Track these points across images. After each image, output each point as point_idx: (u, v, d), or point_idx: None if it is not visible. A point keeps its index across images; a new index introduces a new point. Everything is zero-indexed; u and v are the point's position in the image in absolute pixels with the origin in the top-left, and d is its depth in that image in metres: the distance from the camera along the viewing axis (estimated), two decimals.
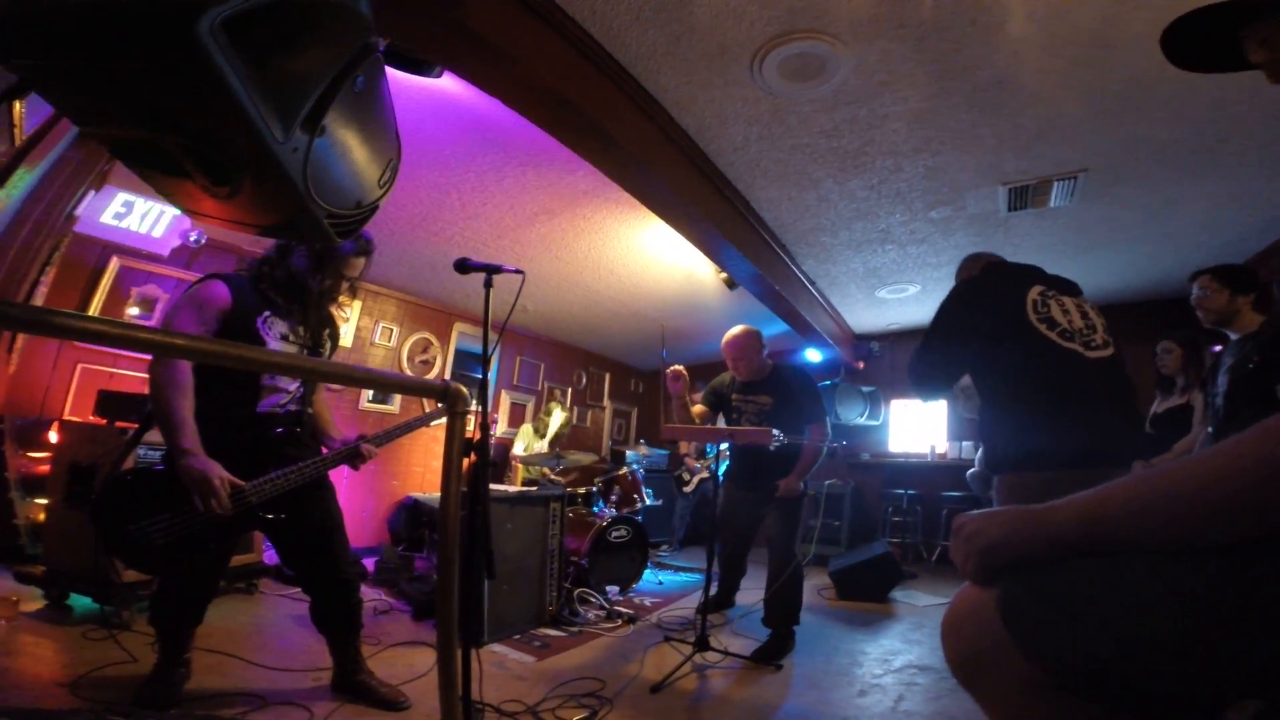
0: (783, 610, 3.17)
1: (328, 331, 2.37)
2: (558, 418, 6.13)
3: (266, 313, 2.14)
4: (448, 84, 2.73)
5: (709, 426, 3.55)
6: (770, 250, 4.37)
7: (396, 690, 2.27)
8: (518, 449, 6.16)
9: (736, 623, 3.68)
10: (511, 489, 3.83)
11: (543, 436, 6.10)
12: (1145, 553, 0.61)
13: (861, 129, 3.04)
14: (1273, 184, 3.41)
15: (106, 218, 3.89)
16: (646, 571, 4.54)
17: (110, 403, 3.18)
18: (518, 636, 3.18)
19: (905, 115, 2.91)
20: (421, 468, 6.17)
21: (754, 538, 3.58)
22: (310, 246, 2.16)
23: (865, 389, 6.63)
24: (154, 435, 2.14)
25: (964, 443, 6.29)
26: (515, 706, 2.27)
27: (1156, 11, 2.18)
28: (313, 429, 2.36)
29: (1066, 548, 0.66)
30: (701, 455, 6.90)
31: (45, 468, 3.41)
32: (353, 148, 0.91)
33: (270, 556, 3.65)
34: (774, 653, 3.00)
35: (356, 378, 1.86)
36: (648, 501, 5.10)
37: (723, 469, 4.27)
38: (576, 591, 3.77)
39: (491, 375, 2.39)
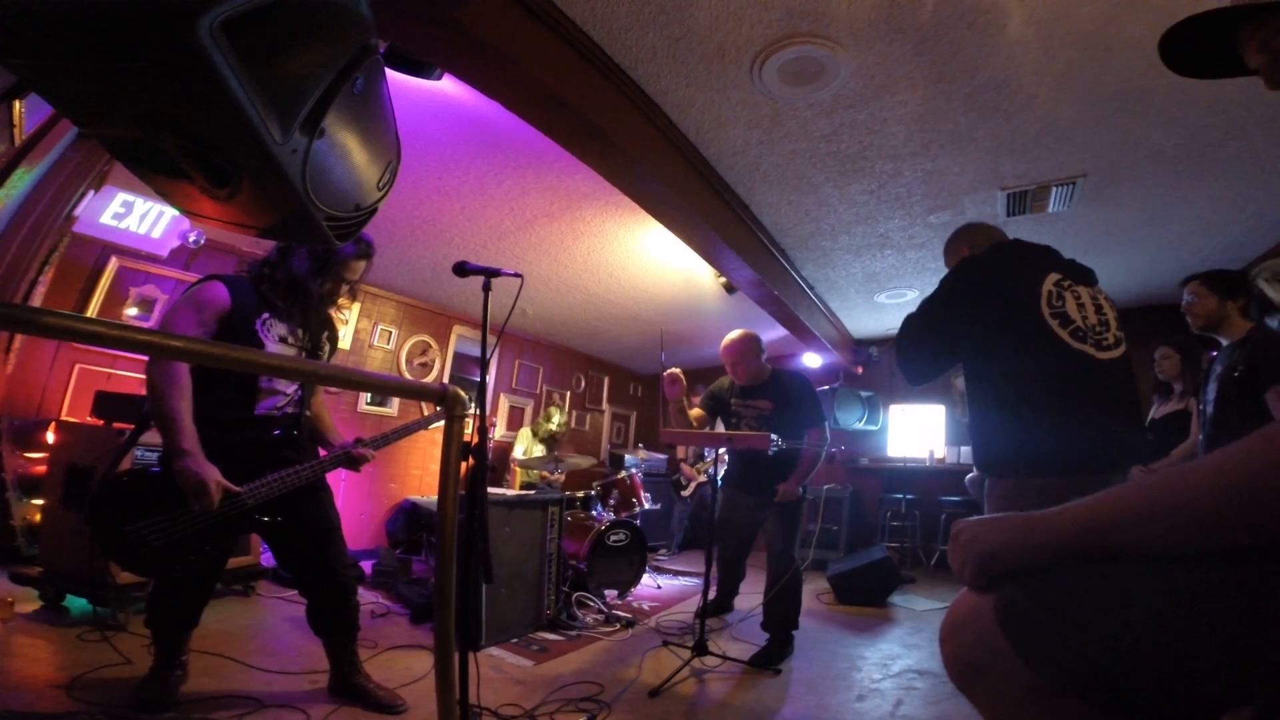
0: (781, 615, 3.16)
1: (326, 334, 2.37)
2: (556, 421, 6.12)
3: (266, 314, 2.13)
4: (447, 86, 2.73)
5: (707, 431, 3.55)
6: (769, 254, 4.37)
7: (393, 693, 2.27)
8: (517, 452, 6.15)
9: (735, 627, 3.67)
10: (510, 492, 3.82)
11: (542, 441, 6.10)
12: (1143, 558, 0.61)
13: (861, 133, 3.05)
14: (1270, 188, 3.42)
15: (106, 218, 3.89)
16: (645, 575, 4.53)
17: (108, 404, 3.17)
18: (515, 640, 3.18)
19: (904, 119, 2.92)
20: (420, 471, 6.16)
21: (753, 542, 3.58)
22: (311, 249, 2.16)
23: (864, 394, 6.62)
24: (151, 436, 2.13)
25: (963, 448, 6.29)
26: (513, 710, 2.26)
27: (1153, 15, 2.19)
28: (311, 432, 2.36)
29: (1065, 554, 0.66)
30: (699, 459, 6.89)
31: (42, 468, 3.41)
32: (352, 150, 0.91)
33: (268, 559, 3.64)
34: (772, 657, 3.00)
35: (355, 380, 1.86)
36: (646, 505, 5.09)
37: (721, 474, 4.26)
38: (575, 595, 3.77)
39: (490, 378, 2.38)
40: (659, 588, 4.79)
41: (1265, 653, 0.54)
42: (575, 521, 4.29)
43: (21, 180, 2.16)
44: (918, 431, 6.72)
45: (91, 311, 4.13)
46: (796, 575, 3.20)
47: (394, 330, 6.01)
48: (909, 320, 2.05)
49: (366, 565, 4.63)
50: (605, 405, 8.67)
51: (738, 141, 3.16)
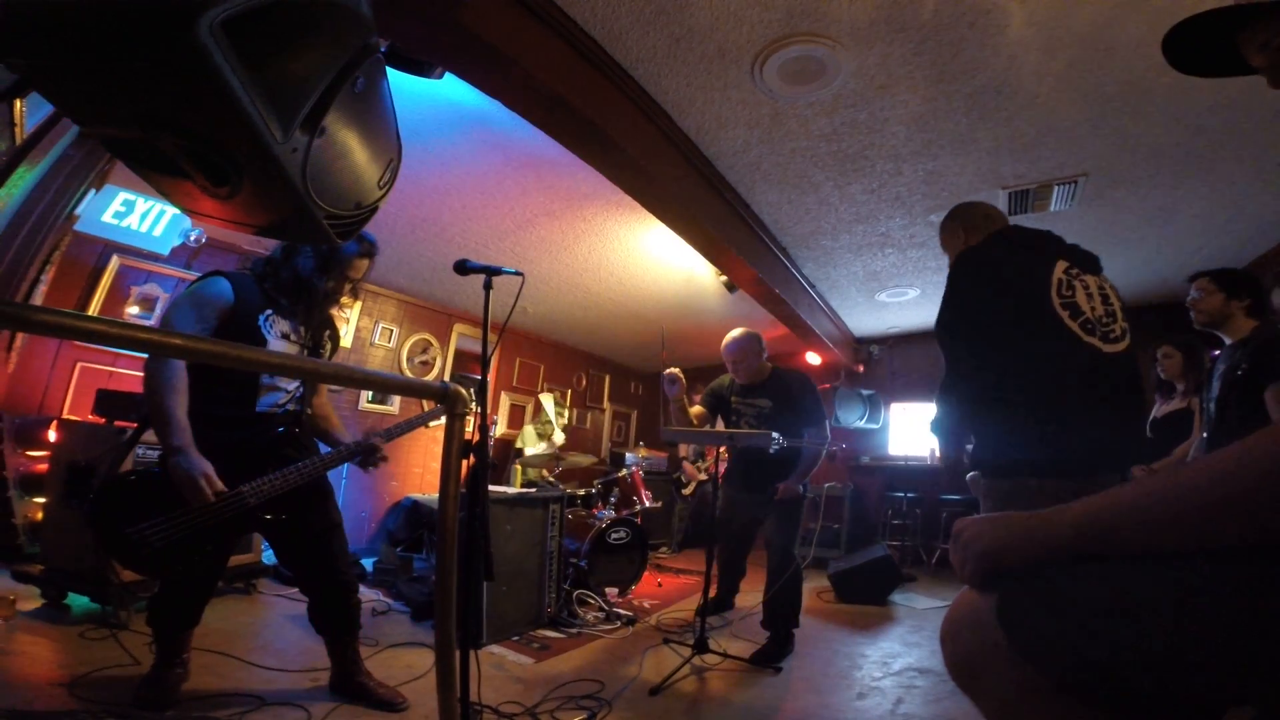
0: (782, 612, 3.16)
1: (328, 333, 2.37)
2: (549, 409, 6.07)
3: (269, 311, 2.14)
4: (448, 86, 2.73)
5: (708, 429, 3.55)
6: (770, 253, 4.37)
7: (394, 691, 2.27)
8: (526, 450, 6.15)
9: (735, 625, 3.67)
10: (511, 490, 3.82)
11: (544, 438, 6.10)
12: (1144, 558, 0.61)
13: (861, 132, 3.05)
14: (1271, 188, 3.41)
15: (107, 217, 3.90)
16: (645, 573, 4.53)
17: (109, 402, 3.17)
18: (516, 638, 3.18)
19: (905, 119, 2.92)
20: (420, 469, 6.16)
21: (753, 540, 3.58)
22: (316, 247, 2.16)
23: (865, 392, 6.63)
24: (153, 435, 2.13)
25: (964, 446, 6.28)
26: (513, 708, 2.27)
27: (1154, 15, 2.18)
28: (313, 430, 2.36)
29: (1066, 553, 0.66)
30: (700, 458, 6.89)
31: (44, 466, 3.41)
32: (353, 149, 0.91)
33: (269, 556, 3.65)
34: (773, 655, 3.00)
35: (356, 378, 1.86)
36: (647, 503, 5.09)
37: (722, 472, 4.26)
38: (575, 593, 3.77)
39: (490, 376, 2.38)
40: (660, 585, 4.80)
41: (1266, 652, 0.54)
42: (576, 519, 4.29)
43: (22, 179, 2.16)
44: (919, 430, 6.72)
45: (93, 310, 4.14)
46: (797, 573, 3.20)
47: (395, 328, 6.01)
48: (941, 401, 1.92)
49: (368, 563, 4.64)
50: (606, 403, 8.67)
51: (738, 141, 3.16)
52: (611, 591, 4.10)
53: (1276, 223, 3.86)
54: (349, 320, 5.58)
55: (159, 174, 0.83)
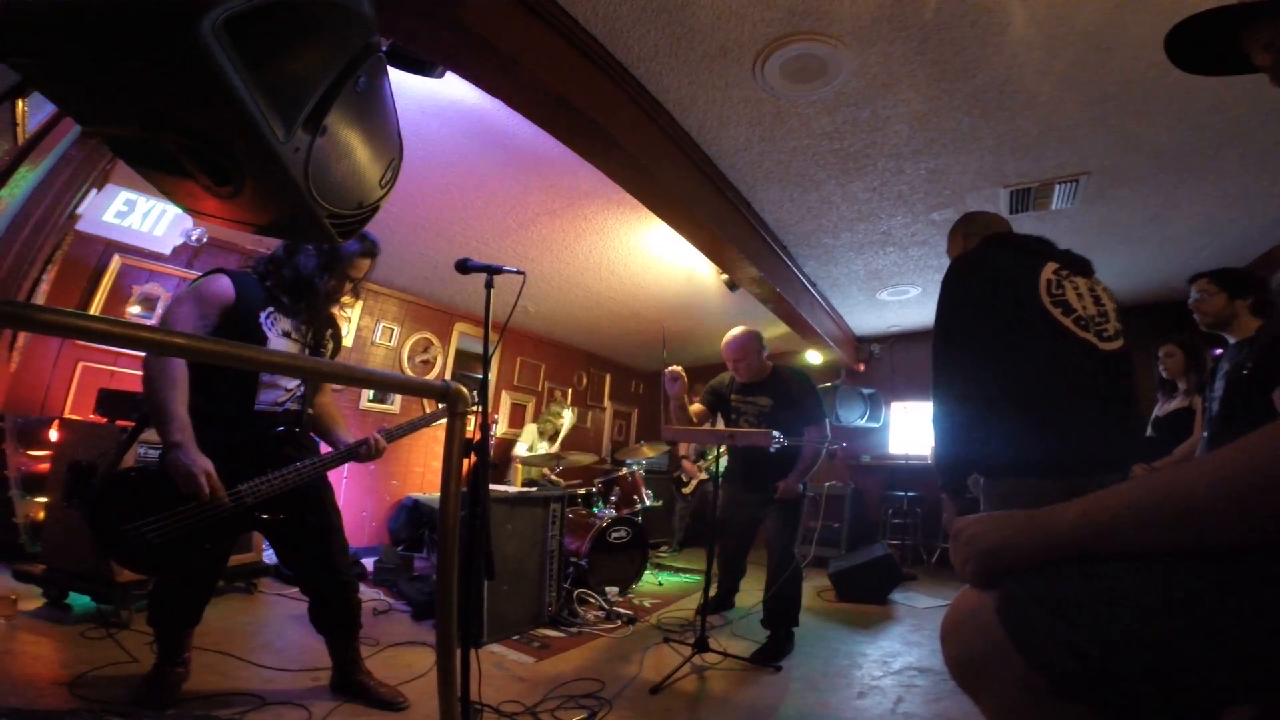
0: (782, 611, 3.17)
1: (330, 332, 2.37)
2: (568, 420, 6.11)
3: (270, 309, 2.13)
4: (450, 85, 2.73)
5: (709, 428, 3.54)
6: (771, 252, 4.37)
7: (395, 690, 2.27)
8: (520, 449, 6.16)
9: (736, 624, 3.67)
10: (511, 489, 3.83)
11: (547, 438, 6.10)
12: (1145, 557, 0.61)
13: (863, 131, 3.04)
14: (1274, 187, 3.41)
15: (109, 216, 3.90)
16: (646, 572, 4.54)
17: (111, 401, 3.18)
18: (517, 637, 3.18)
19: (906, 117, 2.91)
20: (421, 468, 6.17)
21: (753, 539, 3.58)
22: (318, 246, 2.16)
23: (866, 391, 6.63)
24: (153, 434, 2.13)
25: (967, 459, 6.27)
26: (514, 707, 2.27)
27: (1156, 14, 2.18)
28: (315, 429, 2.36)
29: (1066, 552, 0.66)
30: (700, 457, 6.89)
31: (45, 466, 3.41)
32: (354, 148, 0.91)
33: (270, 556, 3.65)
34: (773, 654, 3.00)
35: (357, 377, 1.86)
36: (647, 502, 5.09)
37: (722, 470, 4.27)
38: (576, 592, 3.77)
39: (492, 375, 2.38)
40: (660, 584, 4.80)
41: (1266, 652, 0.54)
42: (577, 518, 4.30)
43: (24, 179, 2.16)
44: (919, 429, 6.72)
45: (94, 309, 4.14)
46: (797, 572, 3.20)
47: (396, 327, 6.01)
48: (936, 415, 1.92)
49: (368, 562, 4.64)
50: (607, 402, 8.67)
51: (740, 139, 3.15)
52: (612, 590, 4.10)
53: (1278, 222, 3.85)
54: (350, 319, 5.58)
55: (161, 173, 0.83)
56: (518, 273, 2.20)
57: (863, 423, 6.62)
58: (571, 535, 4.04)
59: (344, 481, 5.33)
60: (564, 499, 3.73)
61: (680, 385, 3.28)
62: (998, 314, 1.79)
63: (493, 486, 3.39)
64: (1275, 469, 0.54)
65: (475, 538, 1.88)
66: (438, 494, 1.42)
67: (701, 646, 2.87)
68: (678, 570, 5.54)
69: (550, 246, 4.72)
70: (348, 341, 5.54)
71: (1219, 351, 2.66)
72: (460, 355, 6.62)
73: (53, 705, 1.96)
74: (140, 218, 4.02)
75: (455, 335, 6.55)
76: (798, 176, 3.51)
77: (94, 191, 3.49)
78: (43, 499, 3.37)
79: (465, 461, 1.48)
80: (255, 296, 2.11)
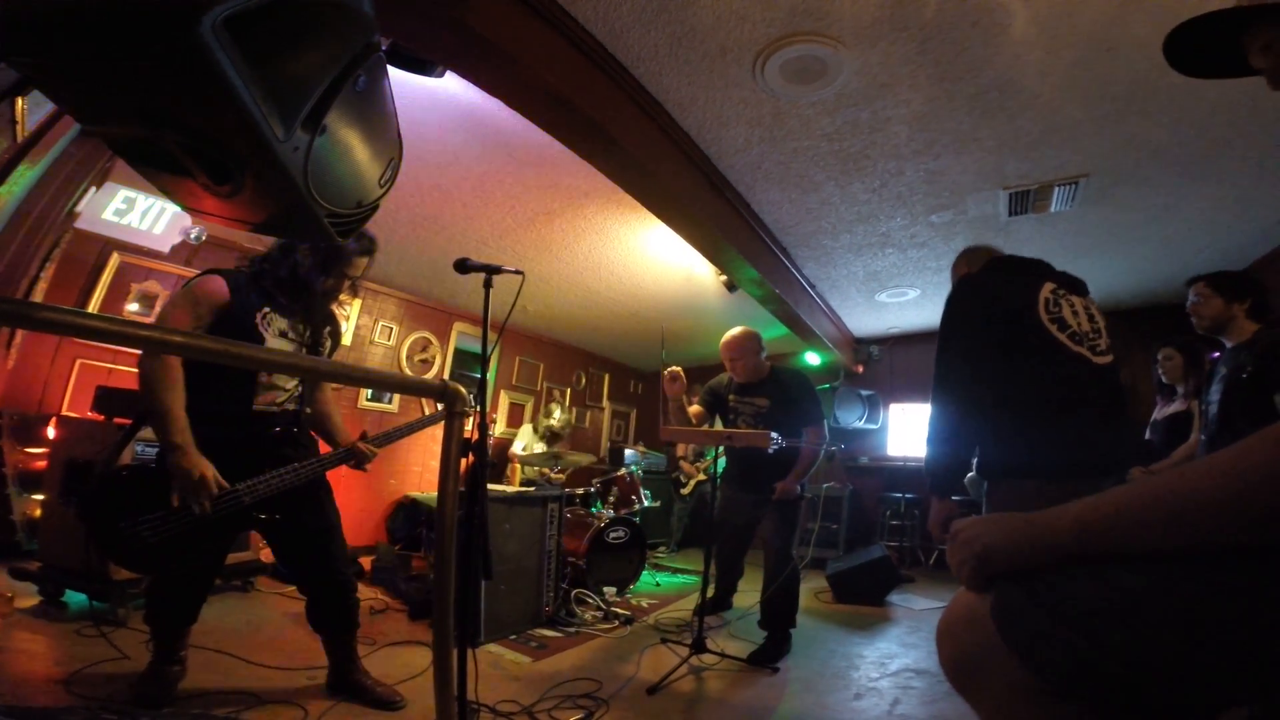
0: (779, 613, 3.17)
1: (328, 329, 2.36)
2: (557, 417, 6.11)
3: (265, 309, 2.13)
4: (449, 84, 2.72)
5: (707, 429, 3.55)
6: (770, 253, 4.37)
7: (392, 690, 2.27)
8: (517, 448, 6.16)
9: (733, 625, 3.68)
10: (510, 489, 3.83)
11: (544, 439, 6.10)
12: (1142, 560, 0.61)
13: (863, 132, 3.04)
14: (1273, 189, 3.41)
15: (107, 214, 3.88)
16: (644, 573, 4.54)
17: (108, 399, 3.17)
18: (514, 637, 3.18)
19: (907, 118, 2.91)
20: (420, 467, 6.16)
21: (751, 540, 3.58)
22: (314, 245, 2.15)
23: (864, 393, 6.63)
24: (150, 431, 2.13)
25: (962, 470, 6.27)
26: (511, 707, 2.27)
27: (1157, 15, 2.18)
28: (313, 429, 2.36)
29: (1063, 554, 0.66)
30: (698, 458, 6.90)
31: (42, 463, 3.41)
32: (354, 147, 0.91)
33: (267, 554, 3.64)
34: (770, 655, 3.00)
35: (355, 376, 1.86)
36: (645, 503, 5.09)
37: (720, 470, 4.27)
38: (574, 592, 3.77)
39: (490, 375, 2.37)
40: (658, 585, 4.80)
41: (1262, 654, 0.54)
42: (575, 519, 4.30)
43: (23, 177, 2.16)
44: (918, 431, 6.72)
45: (93, 307, 4.13)
46: (794, 573, 3.21)
47: (395, 327, 6.01)
48: (933, 418, 2.01)
49: (366, 561, 4.64)
50: (605, 402, 8.67)
51: (739, 140, 3.15)
52: (610, 591, 4.10)
53: (1278, 224, 3.86)
54: (349, 318, 5.58)
55: (160, 172, 0.83)
56: (516, 272, 2.20)
57: (861, 424, 6.62)
58: (569, 535, 4.04)
59: (342, 480, 5.30)
60: (562, 499, 3.73)
61: (680, 386, 3.29)
62: (999, 329, 1.93)
63: (491, 486, 3.39)
64: (1275, 471, 0.54)
65: (473, 537, 1.87)
66: (435, 493, 1.42)
67: (699, 647, 2.87)
68: (675, 571, 5.54)
69: (549, 246, 4.71)
70: (346, 340, 5.54)
71: (1216, 355, 2.67)
72: (459, 354, 6.61)
73: (49, 702, 1.95)
74: (139, 216, 4.01)
75: (454, 334, 6.54)
76: (797, 177, 3.51)
77: (93, 189, 3.48)
78: (39, 496, 3.36)
79: (463, 461, 1.48)
80: (250, 297, 2.10)
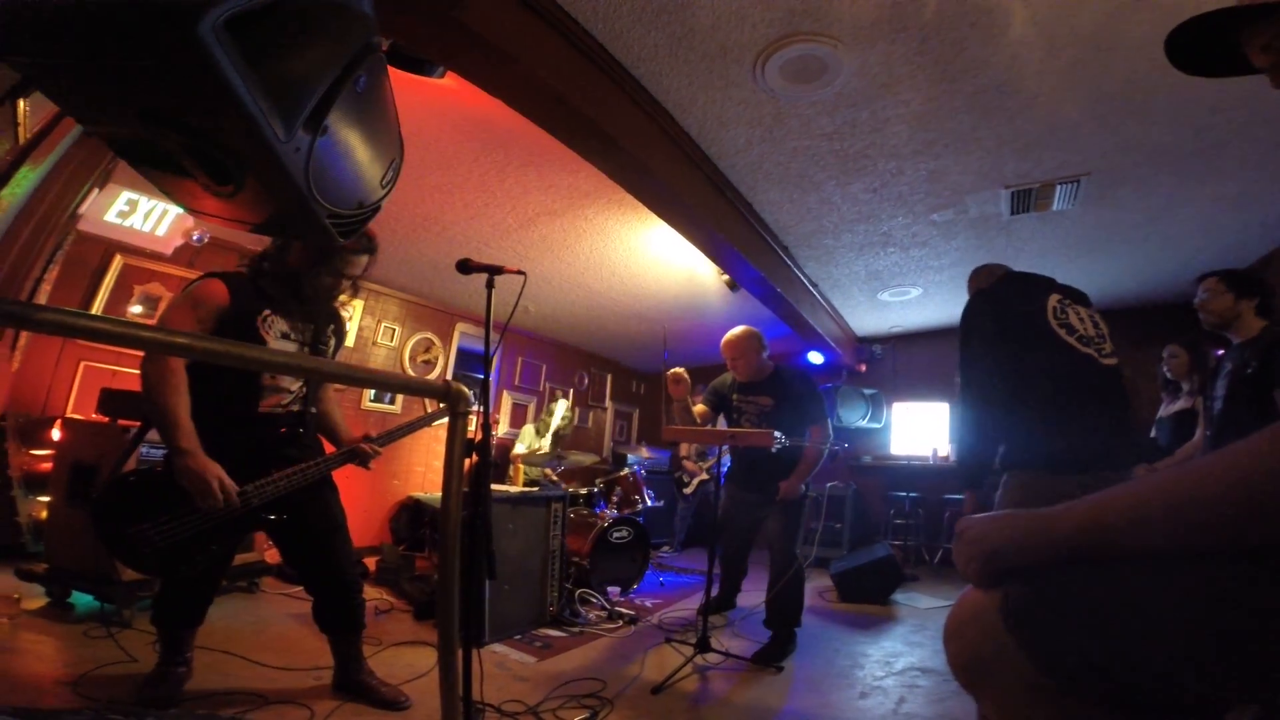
0: (784, 612, 3.16)
1: (331, 328, 2.36)
2: (560, 413, 6.11)
3: (266, 311, 2.12)
4: (450, 84, 2.73)
5: (710, 428, 3.54)
6: (772, 252, 4.37)
7: (397, 690, 2.27)
8: (519, 449, 6.16)
9: (737, 624, 3.67)
10: (513, 489, 3.83)
11: (542, 435, 6.09)
12: (1148, 557, 0.61)
13: (863, 131, 3.04)
14: (1274, 188, 3.40)
15: (110, 216, 3.90)
16: (648, 572, 4.54)
17: (113, 401, 3.18)
18: (519, 637, 3.18)
19: (907, 118, 2.91)
20: (423, 468, 6.17)
21: (755, 539, 3.58)
22: (310, 242, 2.14)
23: (867, 391, 6.62)
24: (156, 434, 2.13)
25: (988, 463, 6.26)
26: (516, 707, 2.27)
27: (1156, 15, 2.18)
28: (318, 429, 2.36)
29: (1069, 552, 0.66)
30: (701, 457, 6.89)
31: (48, 465, 3.42)
32: (355, 147, 0.91)
33: (272, 555, 3.65)
34: (775, 654, 3.00)
35: (358, 377, 1.86)
36: (649, 503, 5.09)
37: (724, 470, 4.27)
38: (578, 592, 3.77)
39: (493, 376, 2.38)
40: (662, 585, 4.80)
41: (1269, 652, 0.54)
42: (578, 519, 4.30)
43: (26, 179, 2.17)
44: (921, 429, 6.71)
45: (96, 309, 4.15)
46: (799, 573, 3.20)
47: (397, 327, 6.02)
48: (961, 420, 2.21)
49: (371, 562, 4.64)
50: (608, 402, 8.67)
51: (740, 140, 3.15)
52: (614, 590, 4.10)
53: (1279, 223, 3.85)
54: (352, 318, 5.58)
55: (162, 173, 0.83)
56: (519, 273, 2.20)
57: (864, 423, 6.62)
58: (573, 535, 4.04)
59: (346, 481, 5.31)
60: (565, 499, 3.73)
61: (684, 387, 3.29)
62: (1012, 333, 2.12)
63: (494, 486, 3.40)
64: (1277, 469, 0.54)
65: (477, 538, 1.88)
66: (439, 494, 1.42)
67: (703, 646, 2.87)
68: (679, 570, 5.54)
69: (551, 247, 4.72)
70: (349, 341, 5.55)
71: (1221, 352, 2.66)
72: (461, 355, 6.62)
73: (56, 704, 1.96)
74: (142, 217, 4.03)
75: (456, 335, 6.55)
76: (798, 177, 3.51)
77: (96, 191, 3.49)
78: (45, 498, 3.37)
79: (466, 461, 1.48)
80: (250, 300, 2.09)
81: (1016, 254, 4.46)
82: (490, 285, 2.09)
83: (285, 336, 2.16)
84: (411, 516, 5.49)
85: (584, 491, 4.88)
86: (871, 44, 2.44)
